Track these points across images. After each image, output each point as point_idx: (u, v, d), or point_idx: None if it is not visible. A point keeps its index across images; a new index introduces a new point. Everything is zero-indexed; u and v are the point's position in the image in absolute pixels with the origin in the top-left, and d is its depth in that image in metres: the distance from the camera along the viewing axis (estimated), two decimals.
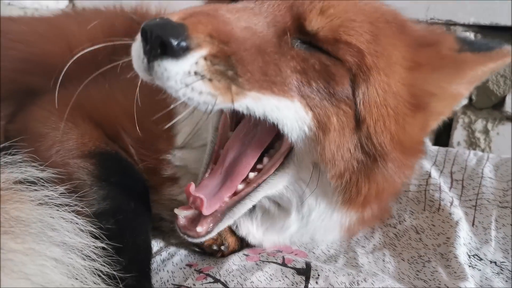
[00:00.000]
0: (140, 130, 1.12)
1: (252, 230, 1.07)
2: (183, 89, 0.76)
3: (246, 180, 0.95)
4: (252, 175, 0.95)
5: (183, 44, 0.74)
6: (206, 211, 0.90)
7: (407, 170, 1.02)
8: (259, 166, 0.96)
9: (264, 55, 0.82)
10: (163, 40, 0.73)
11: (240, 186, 0.94)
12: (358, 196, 0.96)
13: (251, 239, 1.08)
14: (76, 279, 0.73)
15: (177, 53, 0.74)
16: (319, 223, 1.05)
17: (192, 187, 0.91)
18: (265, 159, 0.96)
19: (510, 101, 1.95)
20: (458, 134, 2.06)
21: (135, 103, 0.97)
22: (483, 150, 1.99)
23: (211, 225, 0.93)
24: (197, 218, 0.93)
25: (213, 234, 0.94)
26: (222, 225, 0.95)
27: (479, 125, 2.02)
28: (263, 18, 0.85)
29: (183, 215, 0.93)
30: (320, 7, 0.86)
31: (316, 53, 0.87)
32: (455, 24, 1.93)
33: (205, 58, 0.76)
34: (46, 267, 0.71)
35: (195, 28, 0.75)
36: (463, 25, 1.93)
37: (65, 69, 0.98)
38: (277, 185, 0.97)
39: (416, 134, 0.99)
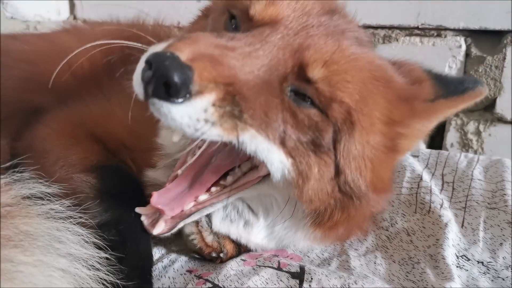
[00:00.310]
0: (137, 143, 1.18)
1: (230, 228, 1.13)
2: (190, 130, 0.81)
3: (209, 191, 1.01)
4: (214, 189, 1.01)
5: (190, 88, 0.77)
6: (166, 217, 1.00)
7: (377, 204, 1.10)
8: (222, 182, 1.01)
9: (264, 96, 0.87)
10: (169, 82, 0.75)
11: (203, 197, 1.00)
12: (328, 222, 1.04)
13: (233, 237, 1.14)
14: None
15: (184, 97, 0.77)
16: (283, 234, 1.12)
17: (155, 197, 0.98)
18: (229, 178, 1.01)
19: (500, 103, 1.99)
20: (451, 136, 2.10)
21: (129, 118, 1.04)
22: (475, 151, 2.03)
23: (169, 227, 1.01)
24: (157, 219, 1.02)
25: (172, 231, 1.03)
26: (181, 225, 1.03)
27: (471, 126, 2.06)
28: (267, 61, 0.89)
29: (144, 212, 1.03)
30: (324, 60, 0.90)
31: (306, 108, 0.91)
32: (445, 29, 1.97)
33: (214, 104, 0.80)
34: (54, 278, 0.77)
35: (202, 73, 0.78)
36: (454, 29, 1.97)
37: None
38: (247, 194, 1.04)
39: (387, 174, 1.07)
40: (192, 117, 0.79)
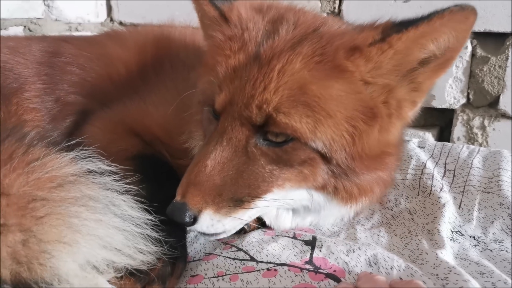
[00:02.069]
0: (169, 139, 1.36)
1: (264, 216, 1.28)
2: (212, 230, 1.10)
3: None
4: None
5: (192, 217, 1.06)
6: None
7: (382, 170, 1.19)
8: None
9: (246, 172, 1.09)
10: (181, 223, 1.06)
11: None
12: (349, 197, 1.18)
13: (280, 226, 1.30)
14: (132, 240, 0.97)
15: (193, 222, 1.06)
16: (329, 213, 1.28)
17: None
18: None
19: (503, 100, 2.11)
20: (458, 130, 2.22)
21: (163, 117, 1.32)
22: (480, 144, 2.15)
23: None
24: None
25: None
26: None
27: (476, 122, 2.17)
28: (233, 148, 1.09)
29: None
30: (255, 106, 1.04)
31: (274, 146, 1.08)
32: None
33: (214, 212, 1.07)
34: (111, 232, 0.96)
35: (192, 202, 1.05)
36: None
37: None
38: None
39: (377, 141, 1.12)
40: (208, 226, 1.08)
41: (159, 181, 1.27)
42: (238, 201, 1.09)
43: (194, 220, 1.06)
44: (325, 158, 1.08)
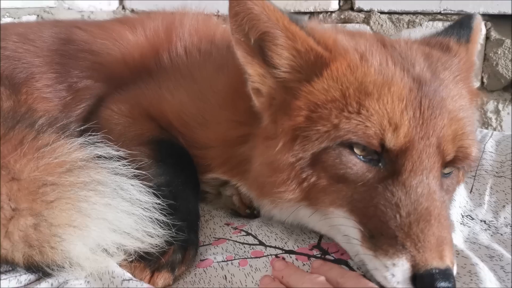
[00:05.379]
0: (184, 128, 1.34)
1: None
2: None
3: None
4: None
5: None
6: None
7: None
8: None
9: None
10: None
11: None
12: None
13: None
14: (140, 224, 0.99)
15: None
16: None
17: None
18: None
19: None
20: None
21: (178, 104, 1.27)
22: (494, 129, 2.12)
23: None
24: None
25: None
26: None
27: (490, 106, 2.14)
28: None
29: None
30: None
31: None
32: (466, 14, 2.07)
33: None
34: (120, 216, 0.98)
35: (451, 262, 0.89)
36: None
37: None
38: None
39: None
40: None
41: (176, 166, 1.27)
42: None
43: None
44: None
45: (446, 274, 0.85)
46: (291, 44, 1.03)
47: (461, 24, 1.23)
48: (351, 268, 1.02)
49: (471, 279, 0.96)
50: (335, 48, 1.03)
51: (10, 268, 0.96)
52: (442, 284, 0.84)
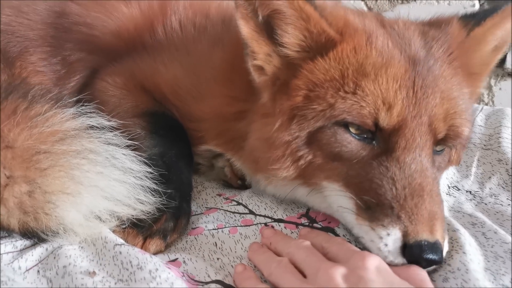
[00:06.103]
0: (178, 101, 1.35)
1: None
2: None
3: None
4: None
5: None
6: None
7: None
8: None
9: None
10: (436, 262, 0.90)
11: None
12: None
13: None
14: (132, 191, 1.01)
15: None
16: None
17: None
18: None
19: (510, 59, 2.07)
20: None
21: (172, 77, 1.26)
22: (486, 104, 2.14)
23: None
24: None
25: None
26: None
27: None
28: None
29: None
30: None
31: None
32: None
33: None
34: (111, 183, 1.00)
35: (440, 236, 0.92)
36: None
37: None
38: None
39: None
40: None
41: (170, 138, 1.29)
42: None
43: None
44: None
45: (434, 247, 0.89)
46: (304, 25, 1.02)
47: (493, 10, 1.17)
48: (337, 235, 1.05)
49: (453, 246, 0.99)
50: (346, 30, 1.04)
51: (6, 234, 0.99)
52: (430, 256, 0.88)
